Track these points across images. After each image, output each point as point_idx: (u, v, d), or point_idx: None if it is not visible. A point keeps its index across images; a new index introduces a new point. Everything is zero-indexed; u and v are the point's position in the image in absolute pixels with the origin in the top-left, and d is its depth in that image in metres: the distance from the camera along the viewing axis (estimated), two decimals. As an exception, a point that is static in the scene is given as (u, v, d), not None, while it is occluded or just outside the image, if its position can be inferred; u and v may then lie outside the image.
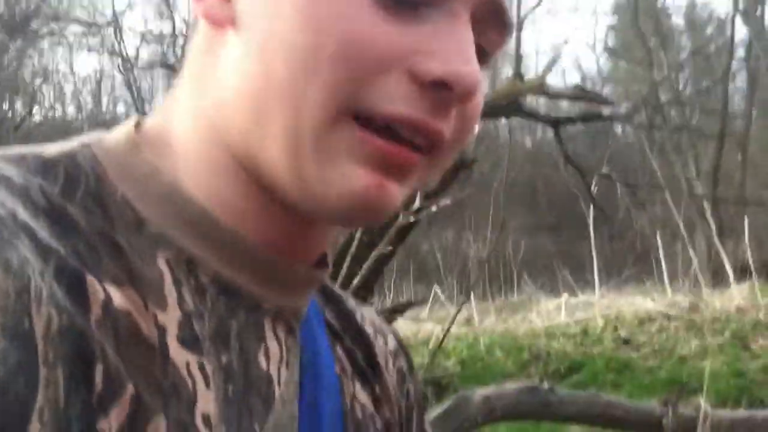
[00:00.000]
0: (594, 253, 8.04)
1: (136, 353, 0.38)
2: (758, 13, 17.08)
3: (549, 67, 6.01)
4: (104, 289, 0.38)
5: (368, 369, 0.56)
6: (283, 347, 0.47)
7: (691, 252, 8.99)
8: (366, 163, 0.41)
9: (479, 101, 0.44)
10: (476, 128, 0.46)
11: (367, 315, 0.60)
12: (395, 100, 0.41)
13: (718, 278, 9.24)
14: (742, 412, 3.51)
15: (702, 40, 19.45)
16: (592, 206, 6.92)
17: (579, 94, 5.39)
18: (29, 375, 0.33)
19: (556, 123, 5.33)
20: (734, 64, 17.18)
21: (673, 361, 6.39)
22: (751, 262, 8.14)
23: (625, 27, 18.83)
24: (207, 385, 0.41)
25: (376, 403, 0.56)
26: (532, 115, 5.31)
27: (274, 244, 0.46)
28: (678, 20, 20.41)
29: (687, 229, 9.53)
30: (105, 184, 0.43)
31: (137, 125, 0.46)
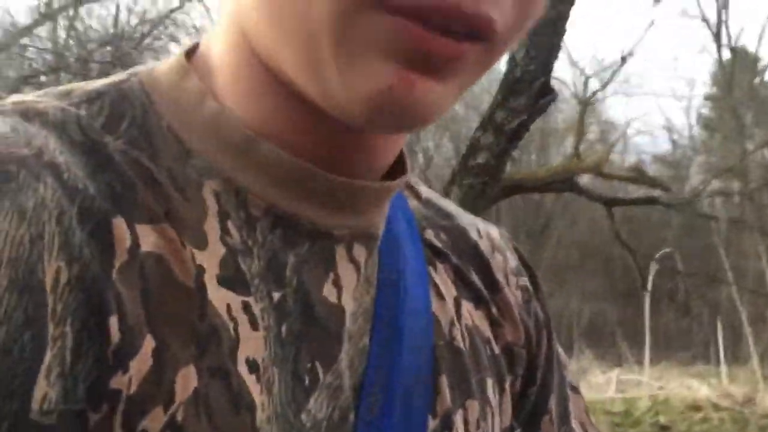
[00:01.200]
0: (647, 331, 7.94)
1: (167, 299, 0.36)
2: None
3: (609, 149, 6.08)
4: (133, 232, 0.36)
5: (484, 288, 0.51)
6: (362, 272, 0.43)
7: (751, 344, 8.73)
8: (395, 56, 0.34)
9: None
10: (540, 12, 0.38)
11: (484, 230, 0.55)
12: None
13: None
14: None
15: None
16: (648, 288, 6.88)
17: (636, 177, 5.45)
18: (37, 332, 0.31)
19: (609, 203, 5.41)
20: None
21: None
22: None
23: (721, 98, 18.46)
24: (254, 326, 0.38)
25: (494, 326, 0.51)
26: (585, 193, 5.40)
27: (331, 162, 0.41)
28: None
29: (753, 319, 9.26)
30: (151, 115, 0.40)
31: (189, 51, 0.43)
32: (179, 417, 0.35)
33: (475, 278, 0.51)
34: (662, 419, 6.98)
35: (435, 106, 0.36)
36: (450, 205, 0.55)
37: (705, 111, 20.17)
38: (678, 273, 7.46)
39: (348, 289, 0.42)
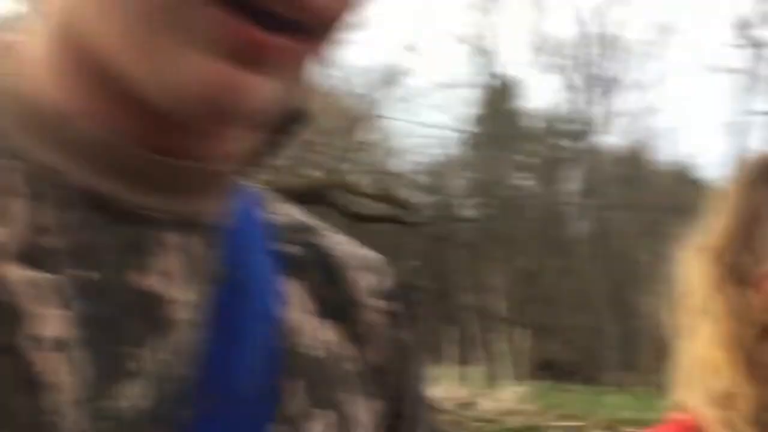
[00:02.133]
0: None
1: None
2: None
3: (348, 171, 6.40)
4: None
5: (343, 307, 0.50)
6: (188, 261, 0.42)
7: (481, 349, 9.67)
8: (214, 49, 0.34)
9: None
10: None
11: (353, 250, 0.53)
12: None
13: (511, 377, 9.95)
14: None
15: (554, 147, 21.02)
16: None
17: (383, 196, 5.83)
18: None
19: (359, 219, 5.72)
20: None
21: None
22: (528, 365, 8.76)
23: (489, 119, 20.11)
24: (54, 304, 0.36)
25: (354, 344, 0.49)
26: (336, 207, 5.62)
27: (154, 146, 0.39)
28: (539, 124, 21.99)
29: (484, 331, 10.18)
30: None
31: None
32: None
33: (332, 294, 0.50)
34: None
35: (256, 100, 0.36)
36: (314, 222, 0.53)
37: (474, 130, 21.81)
38: (410, 287, 8.06)
39: (172, 277, 0.41)
